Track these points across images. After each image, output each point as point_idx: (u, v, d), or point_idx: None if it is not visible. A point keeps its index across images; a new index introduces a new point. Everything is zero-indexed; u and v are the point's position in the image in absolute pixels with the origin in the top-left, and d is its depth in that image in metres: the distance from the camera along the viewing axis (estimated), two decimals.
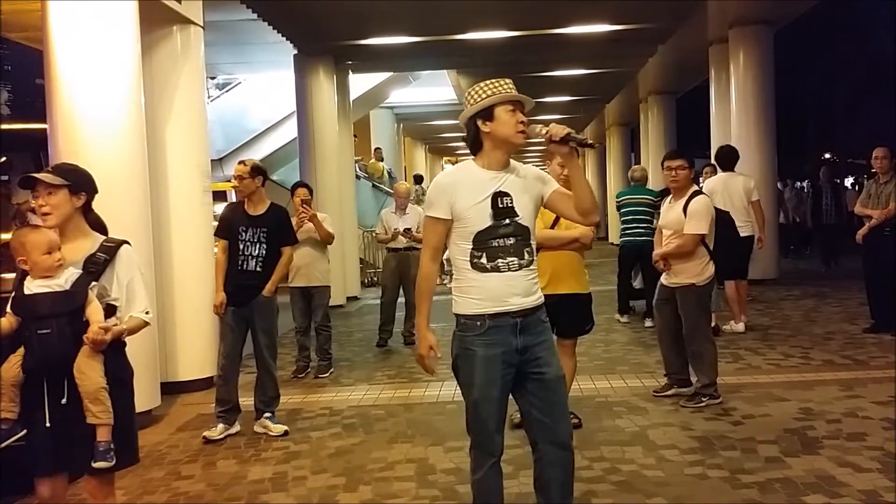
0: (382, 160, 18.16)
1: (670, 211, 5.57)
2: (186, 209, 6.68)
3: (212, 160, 7.58)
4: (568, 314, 4.61)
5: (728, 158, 8.67)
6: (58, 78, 5.37)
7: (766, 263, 12.09)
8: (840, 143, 28.83)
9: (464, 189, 3.00)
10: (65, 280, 2.97)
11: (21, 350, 2.94)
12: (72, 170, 3.20)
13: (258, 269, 5.26)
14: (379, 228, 8.72)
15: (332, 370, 7.19)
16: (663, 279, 5.64)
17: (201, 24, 6.96)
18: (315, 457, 4.81)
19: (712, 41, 13.59)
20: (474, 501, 3.13)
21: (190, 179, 6.72)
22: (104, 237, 3.16)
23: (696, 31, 13.19)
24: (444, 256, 13.05)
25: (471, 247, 2.99)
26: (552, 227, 4.63)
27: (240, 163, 5.46)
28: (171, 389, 6.36)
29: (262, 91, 15.69)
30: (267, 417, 5.39)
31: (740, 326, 8.05)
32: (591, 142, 3.41)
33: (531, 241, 3.07)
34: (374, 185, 16.99)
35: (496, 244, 2.97)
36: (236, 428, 5.41)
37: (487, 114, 2.99)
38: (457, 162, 38.42)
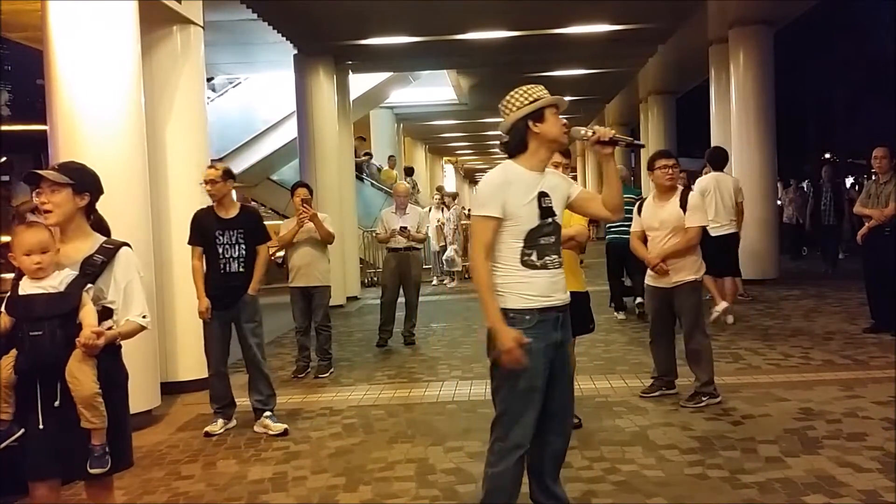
0: (395, 167, 18.14)
1: (661, 210, 5.51)
2: (186, 209, 6.62)
3: (212, 160, 7.58)
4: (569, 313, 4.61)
5: (720, 159, 9.10)
6: (58, 78, 5.37)
7: (766, 263, 12.11)
8: (840, 143, 28.84)
9: (515, 188, 3.11)
10: (59, 282, 2.93)
11: (14, 351, 2.90)
12: (77, 168, 3.17)
13: (241, 269, 5.37)
14: (379, 228, 8.73)
15: (332, 370, 7.19)
16: (655, 282, 5.57)
17: (201, 24, 6.96)
18: (315, 457, 4.81)
19: (712, 41, 13.60)
20: (492, 494, 3.16)
21: (190, 180, 6.70)
22: (104, 238, 3.13)
23: (696, 31, 13.20)
24: (445, 256, 13.05)
25: (521, 245, 3.11)
26: None
27: (210, 167, 5.53)
28: (171, 389, 6.36)
29: (262, 91, 15.69)
30: (267, 416, 5.41)
31: (722, 305, 8.39)
32: (639, 142, 3.59)
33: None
34: (372, 184, 16.99)
35: (543, 242, 3.14)
36: (234, 422, 5.51)
37: (538, 115, 3.15)
38: (457, 162, 38.44)
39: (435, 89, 18.17)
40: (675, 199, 5.49)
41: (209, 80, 15.40)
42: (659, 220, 5.51)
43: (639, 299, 9.07)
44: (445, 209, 14.93)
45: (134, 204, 5.62)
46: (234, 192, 5.57)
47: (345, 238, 11.49)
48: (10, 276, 3.07)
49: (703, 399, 5.41)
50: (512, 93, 3.19)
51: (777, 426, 4.88)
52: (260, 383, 5.47)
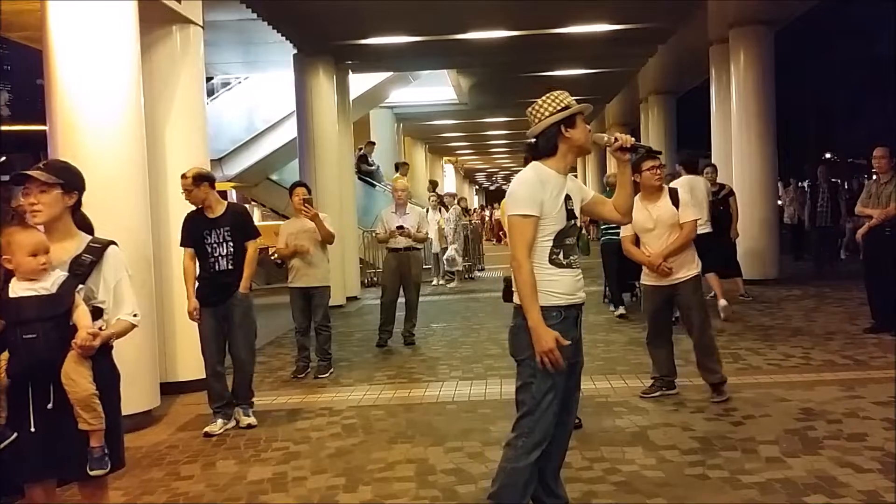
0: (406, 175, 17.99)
1: (654, 210, 5.52)
2: (185, 209, 6.63)
3: (212, 160, 7.58)
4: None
5: (693, 163, 9.52)
6: (57, 78, 5.37)
7: (766, 263, 12.11)
8: (841, 142, 28.85)
9: (550, 188, 3.22)
10: (51, 283, 2.89)
11: (5, 354, 2.85)
12: (64, 167, 3.14)
13: (230, 266, 5.43)
14: (379, 228, 8.72)
15: (331, 370, 7.18)
16: (656, 281, 5.57)
17: (201, 24, 6.96)
18: (315, 457, 4.81)
19: (712, 41, 13.59)
20: (508, 489, 3.21)
21: None
22: (90, 237, 3.10)
23: (696, 31, 13.19)
24: (445, 256, 13.02)
25: (551, 244, 3.22)
26: None
27: (182, 176, 5.48)
28: (171, 389, 6.36)
29: (262, 91, 15.69)
30: (240, 408, 5.57)
31: (723, 302, 8.81)
32: (656, 150, 3.90)
33: None
34: (368, 183, 16.94)
35: (569, 242, 3.28)
36: (233, 422, 5.53)
37: (570, 121, 3.27)
38: (457, 162, 38.48)
39: (435, 89, 18.17)
40: (666, 198, 5.55)
41: (209, 79, 15.42)
42: (653, 220, 5.51)
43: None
44: (443, 209, 14.89)
45: (133, 204, 5.63)
46: (214, 192, 5.52)
47: (345, 238, 11.49)
48: None
49: (724, 391, 5.50)
50: (542, 98, 3.30)
51: (777, 426, 4.88)
52: (237, 380, 5.61)
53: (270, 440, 5.21)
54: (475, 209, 32.27)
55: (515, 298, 3.28)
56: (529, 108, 3.35)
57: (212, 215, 5.47)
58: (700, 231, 8.70)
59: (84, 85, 5.37)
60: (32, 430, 2.87)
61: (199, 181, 5.43)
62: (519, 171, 3.49)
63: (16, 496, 3.05)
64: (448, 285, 14.28)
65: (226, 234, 5.42)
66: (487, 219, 30.39)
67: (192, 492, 4.35)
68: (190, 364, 6.55)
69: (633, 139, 3.37)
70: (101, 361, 2.98)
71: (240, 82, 16.03)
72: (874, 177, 7.78)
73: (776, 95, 12.44)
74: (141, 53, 5.83)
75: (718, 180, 10.16)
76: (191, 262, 5.50)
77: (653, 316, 5.75)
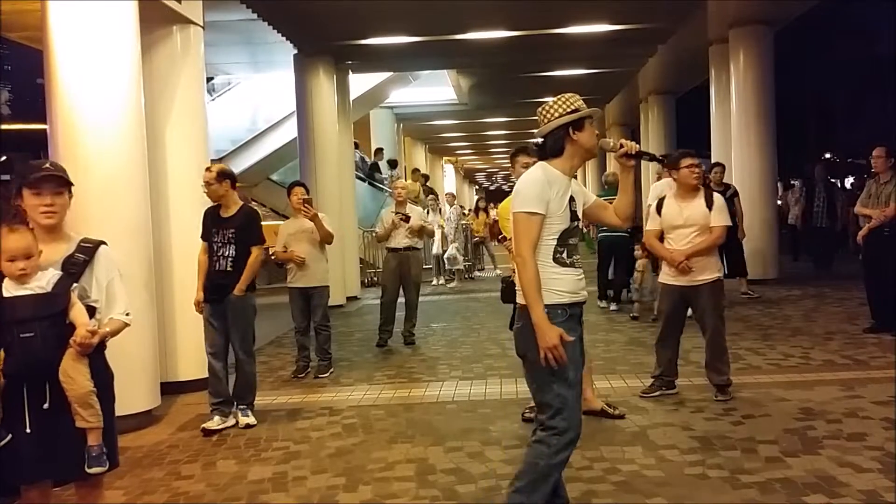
0: (418, 181, 17.94)
1: (686, 208, 5.53)
2: (186, 209, 6.66)
3: (212, 160, 7.58)
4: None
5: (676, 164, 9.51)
6: (58, 78, 5.37)
7: (766, 263, 12.11)
8: (840, 142, 28.83)
9: (556, 188, 3.26)
10: (46, 282, 2.90)
11: (1, 354, 2.84)
12: (64, 169, 3.15)
13: (229, 268, 5.45)
14: (379, 228, 8.71)
15: (331, 370, 7.19)
16: (675, 280, 5.57)
17: (201, 24, 6.96)
18: (315, 457, 4.81)
19: (712, 41, 13.59)
20: (539, 482, 3.23)
21: (190, 179, 6.71)
22: (81, 237, 3.12)
23: (696, 31, 13.19)
24: (445, 256, 13.03)
25: (555, 243, 3.26)
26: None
27: (206, 169, 5.60)
28: (171, 389, 6.36)
29: (261, 91, 15.69)
30: (240, 409, 5.58)
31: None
32: (660, 156, 3.78)
33: None
34: (370, 184, 16.96)
35: (572, 242, 3.32)
36: (232, 421, 5.54)
37: (579, 124, 3.31)
38: (457, 162, 38.44)
39: (435, 89, 18.16)
40: (701, 199, 5.56)
41: (209, 79, 15.42)
42: (684, 218, 5.52)
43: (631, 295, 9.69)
44: (442, 209, 14.89)
45: (133, 204, 5.63)
46: (233, 193, 5.58)
47: (345, 238, 11.49)
48: None
49: (729, 392, 5.54)
50: (553, 99, 3.34)
51: (777, 426, 4.88)
52: (238, 379, 5.63)
53: (271, 440, 5.21)
54: (475, 209, 32.11)
55: (519, 299, 3.29)
56: (539, 108, 3.37)
57: (224, 214, 5.53)
58: None
59: (84, 85, 5.37)
60: (28, 430, 2.87)
61: (221, 177, 5.49)
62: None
63: (12, 497, 3.05)
64: (448, 285, 14.30)
65: (231, 235, 5.45)
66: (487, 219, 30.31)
67: (193, 491, 4.35)
68: (190, 364, 6.56)
69: (638, 146, 3.44)
70: (95, 361, 3.00)
71: (240, 82, 16.03)
72: (874, 177, 7.77)
73: (776, 95, 12.44)
74: (141, 53, 5.83)
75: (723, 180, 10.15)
76: (204, 255, 5.58)
77: (668, 314, 5.77)
